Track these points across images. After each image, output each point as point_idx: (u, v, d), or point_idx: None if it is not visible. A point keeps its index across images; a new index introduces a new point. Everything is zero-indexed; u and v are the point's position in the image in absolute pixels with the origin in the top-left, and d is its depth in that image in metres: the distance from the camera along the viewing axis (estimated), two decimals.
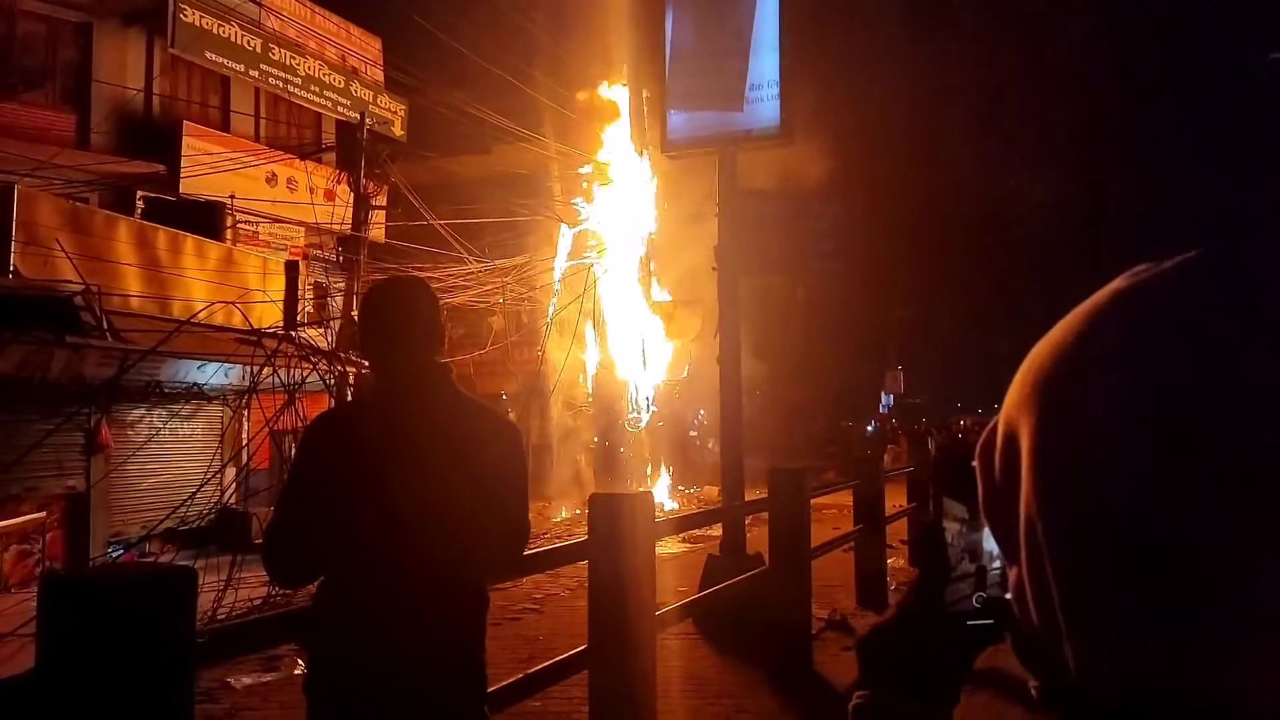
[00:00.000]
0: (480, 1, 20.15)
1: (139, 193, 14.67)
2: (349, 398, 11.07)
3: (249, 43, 16.41)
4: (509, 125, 16.59)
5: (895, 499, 9.29)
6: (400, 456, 2.05)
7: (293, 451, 9.12)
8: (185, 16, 15.18)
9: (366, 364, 2.33)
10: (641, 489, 14.43)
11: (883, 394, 41.21)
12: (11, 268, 10.31)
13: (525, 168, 18.88)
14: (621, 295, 16.30)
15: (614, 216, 16.39)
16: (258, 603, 7.03)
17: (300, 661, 5.37)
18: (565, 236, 16.74)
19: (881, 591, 7.18)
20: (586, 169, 17.01)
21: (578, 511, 13.89)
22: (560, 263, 16.60)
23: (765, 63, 6.29)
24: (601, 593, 3.45)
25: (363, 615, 2.01)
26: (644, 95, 14.43)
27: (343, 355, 10.48)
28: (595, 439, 16.64)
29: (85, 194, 13.29)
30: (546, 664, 3.29)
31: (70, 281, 10.35)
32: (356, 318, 2.33)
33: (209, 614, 6.49)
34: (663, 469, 16.74)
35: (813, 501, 6.14)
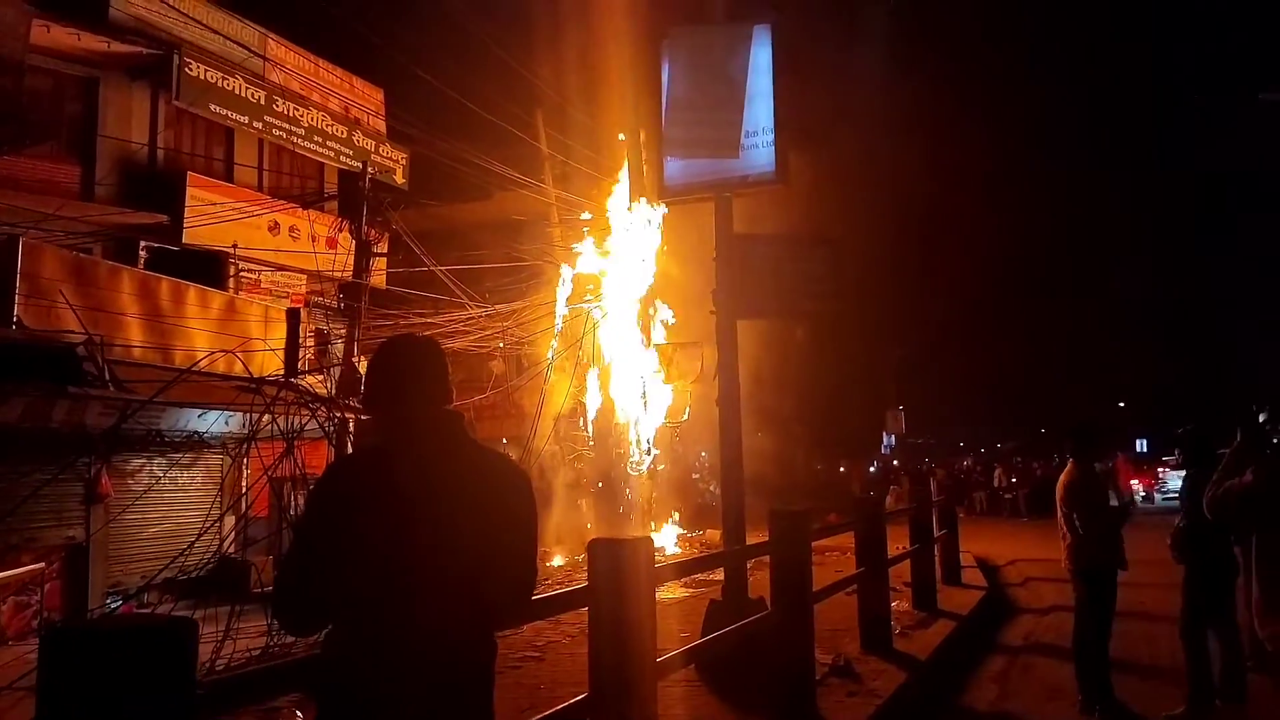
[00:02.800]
0: (481, 51, 20.50)
1: (142, 243, 14.82)
2: (349, 445, 11.07)
3: (253, 95, 16.67)
4: (509, 173, 16.80)
5: (898, 540, 9.25)
6: (413, 504, 2.08)
7: (292, 499, 9.12)
8: (190, 70, 15.45)
9: (370, 416, 2.35)
10: (642, 533, 14.36)
11: (884, 434, 41.10)
12: (15, 318, 10.38)
13: (525, 214, 19.08)
14: (621, 338, 16.35)
15: (613, 261, 16.51)
16: (256, 653, 6.97)
17: (299, 714, 5.31)
18: (565, 281, 16.85)
19: (886, 635, 7.12)
20: (587, 215, 17.17)
21: (578, 558, 13.81)
22: (560, 307, 16.69)
23: (759, 110, 6.41)
24: (602, 639, 3.44)
25: (375, 663, 2.02)
26: (641, 141, 14.61)
27: (342, 402, 10.50)
28: (596, 483, 16.59)
29: (89, 245, 13.42)
30: (548, 713, 3.27)
31: (73, 331, 10.41)
32: (365, 372, 2.36)
33: (208, 664, 6.43)
34: (665, 512, 16.65)
35: (815, 544, 6.12)
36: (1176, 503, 6.04)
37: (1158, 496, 27.89)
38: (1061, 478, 6.06)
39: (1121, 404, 59.45)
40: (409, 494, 2.08)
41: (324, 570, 2.05)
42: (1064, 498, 5.91)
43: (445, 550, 2.05)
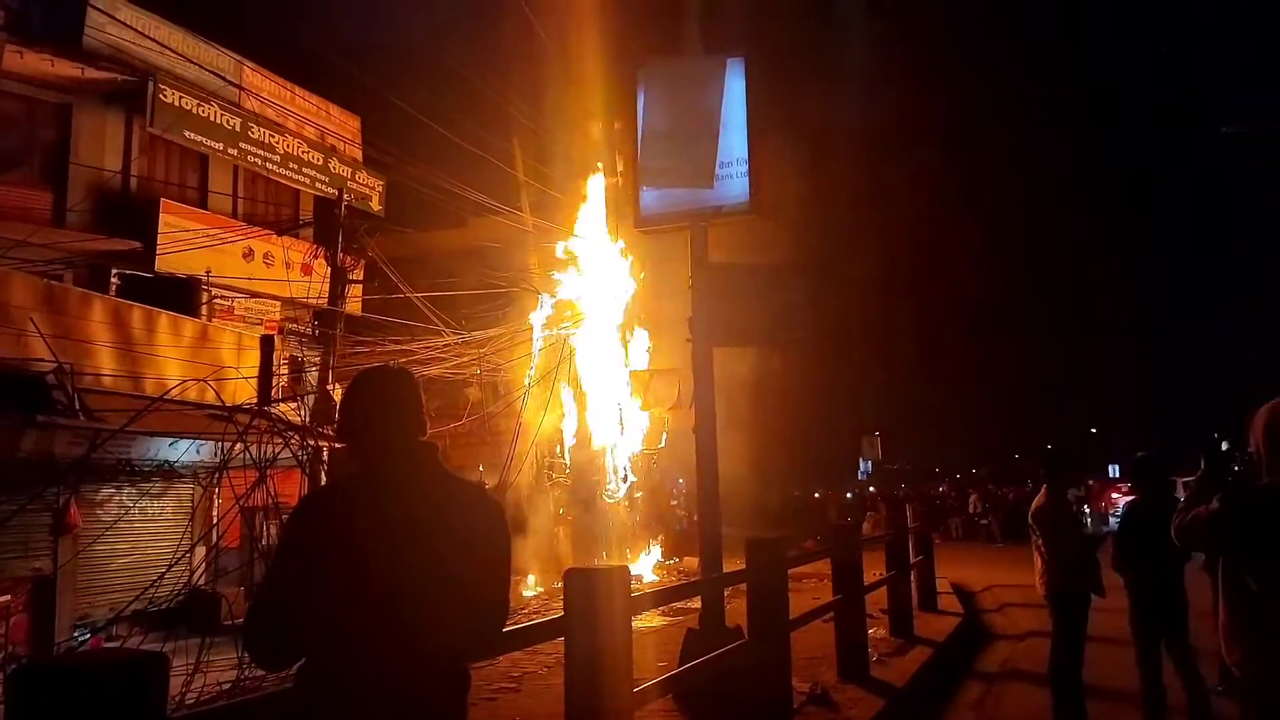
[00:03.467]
0: (457, 80, 20.60)
1: (114, 270, 14.69)
2: (322, 474, 10.97)
3: (228, 122, 16.64)
4: (485, 200, 16.84)
5: (875, 567, 9.26)
6: (387, 537, 2.08)
7: (264, 529, 9.01)
8: (165, 97, 15.41)
9: (343, 445, 2.35)
10: (619, 562, 14.29)
11: (861, 460, 41.28)
12: None
13: (501, 241, 19.11)
14: (597, 365, 16.36)
15: (589, 288, 16.56)
16: (227, 686, 6.86)
17: None
18: (542, 308, 16.86)
19: (863, 662, 7.12)
20: (563, 242, 17.22)
21: (555, 585, 13.71)
22: (537, 334, 16.68)
23: (734, 141, 6.49)
24: (578, 670, 3.42)
25: (349, 696, 2.00)
26: (618, 170, 14.74)
27: (316, 430, 10.41)
28: (573, 510, 16.50)
29: (60, 271, 13.29)
30: None
31: (43, 360, 10.28)
32: (340, 403, 2.36)
33: (178, 698, 6.32)
34: (643, 541, 16.59)
35: (793, 571, 6.12)
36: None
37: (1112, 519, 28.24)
38: (1034, 503, 6.11)
39: (1094, 430, 60.14)
40: (382, 526, 2.08)
41: (296, 604, 2.04)
42: (1036, 524, 5.96)
43: (418, 582, 2.05)
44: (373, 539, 2.06)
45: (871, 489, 37.68)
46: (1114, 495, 23.78)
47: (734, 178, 6.48)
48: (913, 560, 10.11)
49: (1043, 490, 6.09)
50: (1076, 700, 5.73)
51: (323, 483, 10.65)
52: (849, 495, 37.65)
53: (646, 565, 15.88)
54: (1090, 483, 24.95)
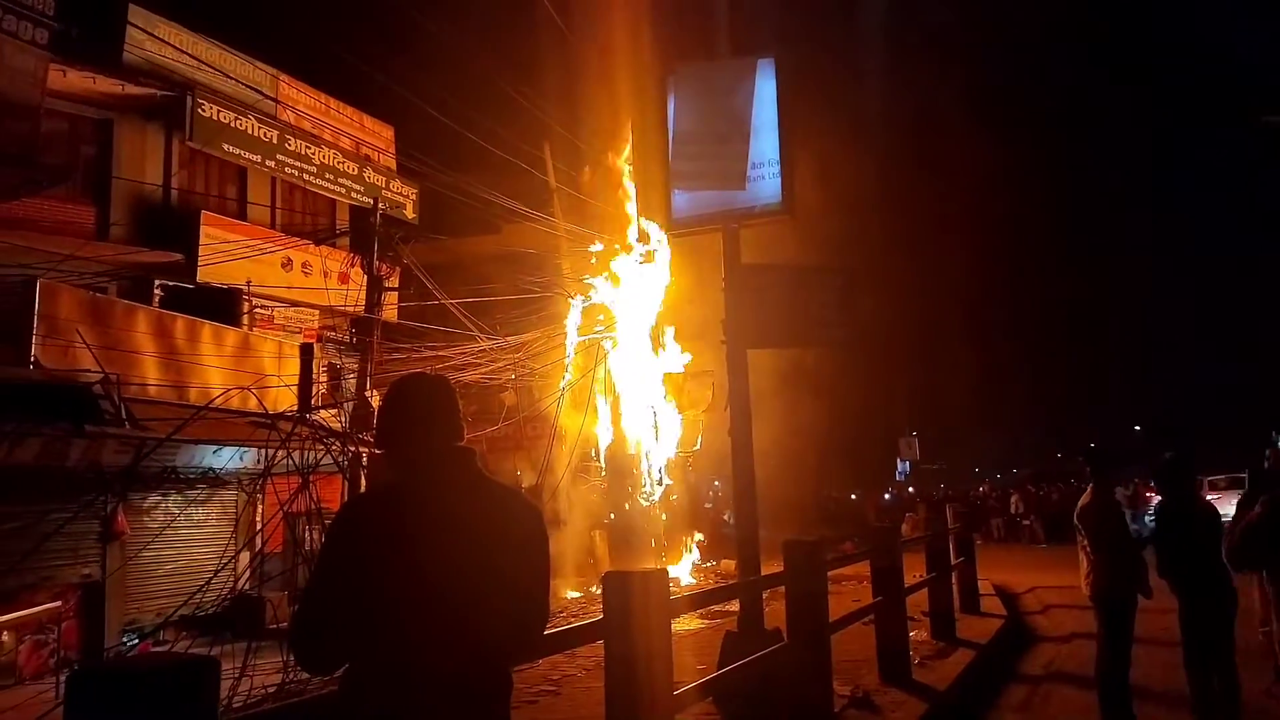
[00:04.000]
0: (489, 86, 20.76)
1: (157, 281, 14.99)
2: (362, 479, 11.10)
3: (265, 135, 16.91)
4: (518, 206, 16.94)
5: (916, 569, 9.18)
6: (426, 541, 2.10)
7: (307, 535, 9.13)
8: (203, 111, 15.70)
9: (381, 451, 2.38)
10: (656, 565, 14.29)
11: (898, 461, 40.90)
12: (33, 358, 10.49)
13: (535, 246, 19.21)
14: (632, 368, 16.38)
15: (623, 292, 16.59)
16: (273, 690, 6.97)
17: None
18: (575, 311, 16.93)
19: (904, 666, 7.05)
20: (596, 246, 17.29)
21: (593, 589, 13.75)
22: (571, 338, 16.75)
23: (765, 142, 6.48)
24: (618, 673, 3.43)
25: (394, 700, 2.03)
26: (648, 174, 14.77)
27: (356, 436, 10.54)
28: (609, 514, 16.54)
29: (105, 284, 13.58)
30: None
31: (89, 371, 10.51)
32: (378, 411, 2.39)
33: (225, 702, 6.43)
34: (683, 544, 16.58)
35: (832, 573, 6.09)
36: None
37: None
38: (1080, 503, 6.02)
39: (1137, 427, 59.04)
40: (421, 531, 2.10)
41: (339, 608, 2.07)
42: (1082, 524, 5.87)
43: (456, 586, 2.07)
44: (414, 543, 2.09)
45: (910, 490, 37.29)
46: (1148, 495, 23.30)
47: (765, 179, 6.47)
48: (954, 562, 10.00)
49: (1089, 489, 5.99)
50: (1124, 703, 5.63)
51: (363, 488, 10.77)
52: (886, 496, 37.32)
53: (683, 568, 15.86)
54: (1136, 481, 24.47)
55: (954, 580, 9.79)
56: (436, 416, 2.28)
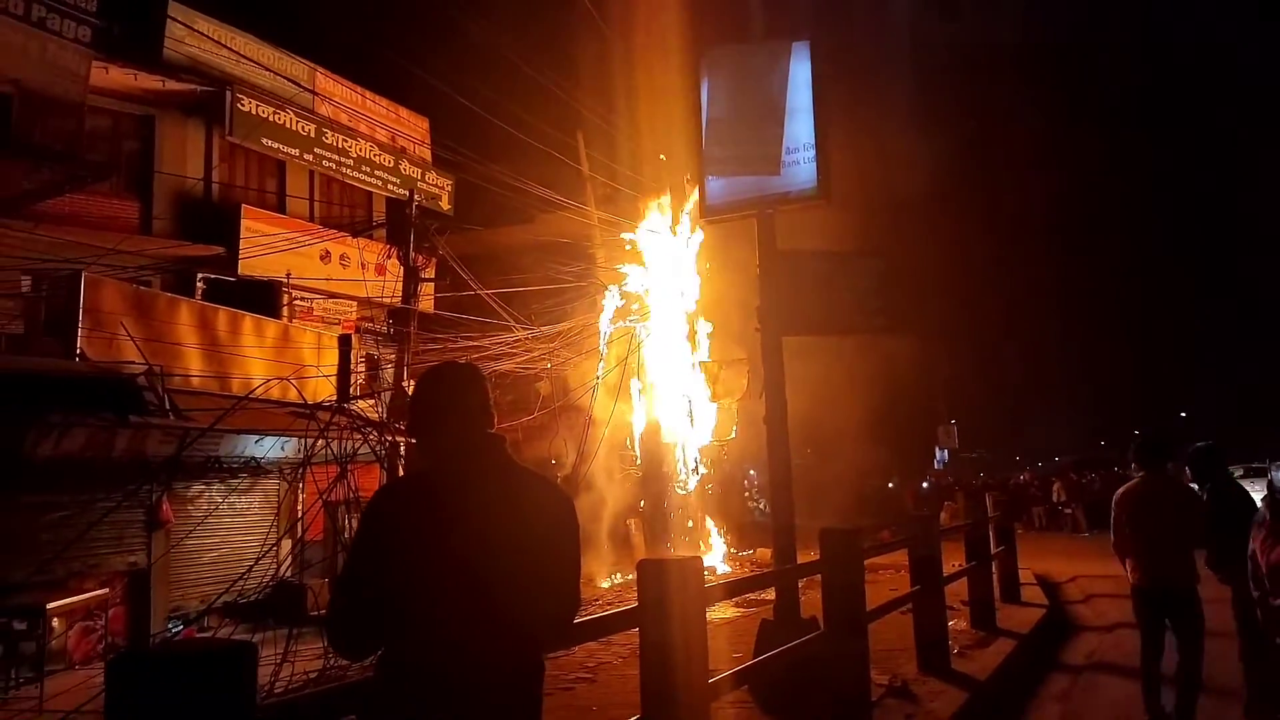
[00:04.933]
0: (522, 76, 20.78)
1: (199, 274, 15.24)
2: (399, 468, 11.20)
3: (303, 128, 17.09)
4: (552, 195, 16.96)
5: (955, 558, 9.07)
6: (457, 528, 2.10)
7: (347, 522, 9.25)
8: (243, 106, 15.90)
9: (415, 441, 2.39)
10: (692, 553, 14.27)
11: (937, 449, 40.47)
12: (79, 351, 10.71)
13: (569, 235, 19.24)
14: (666, 356, 16.35)
15: (657, 280, 16.55)
16: (314, 675, 7.07)
17: None
18: (610, 300, 16.92)
19: (943, 655, 6.98)
20: (629, 234, 17.26)
21: (630, 576, 13.77)
22: (605, 326, 16.75)
23: (800, 126, 6.40)
24: (653, 660, 3.43)
25: (427, 685, 2.04)
26: (682, 160, 14.70)
27: (393, 425, 10.64)
28: (643, 503, 16.56)
29: (148, 277, 13.83)
30: None
31: (134, 362, 10.71)
32: (410, 400, 2.41)
33: (267, 687, 6.53)
34: (715, 532, 16.56)
35: (869, 562, 6.03)
36: None
37: None
38: (1125, 489, 5.87)
39: (1184, 414, 57.90)
40: (452, 517, 2.11)
41: (373, 594, 2.08)
42: (1122, 511, 5.74)
43: (489, 572, 2.07)
44: (445, 529, 2.09)
45: (950, 478, 36.89)
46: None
47: (801, 164, 6.40)
48: (994, 551, 9.87)
49: (1139, 478, 5.79)
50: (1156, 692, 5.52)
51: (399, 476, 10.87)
52: (924, 484, 36.94)
53: (719, 556, 15.83)
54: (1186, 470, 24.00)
55: (994, 569, 9.66)
56: (467, 404, 2.29)
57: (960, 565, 8.97)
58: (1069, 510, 25.41)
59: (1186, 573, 5.41)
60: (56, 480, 9.46)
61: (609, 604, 11.41)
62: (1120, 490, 5.83)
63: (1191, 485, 5.86)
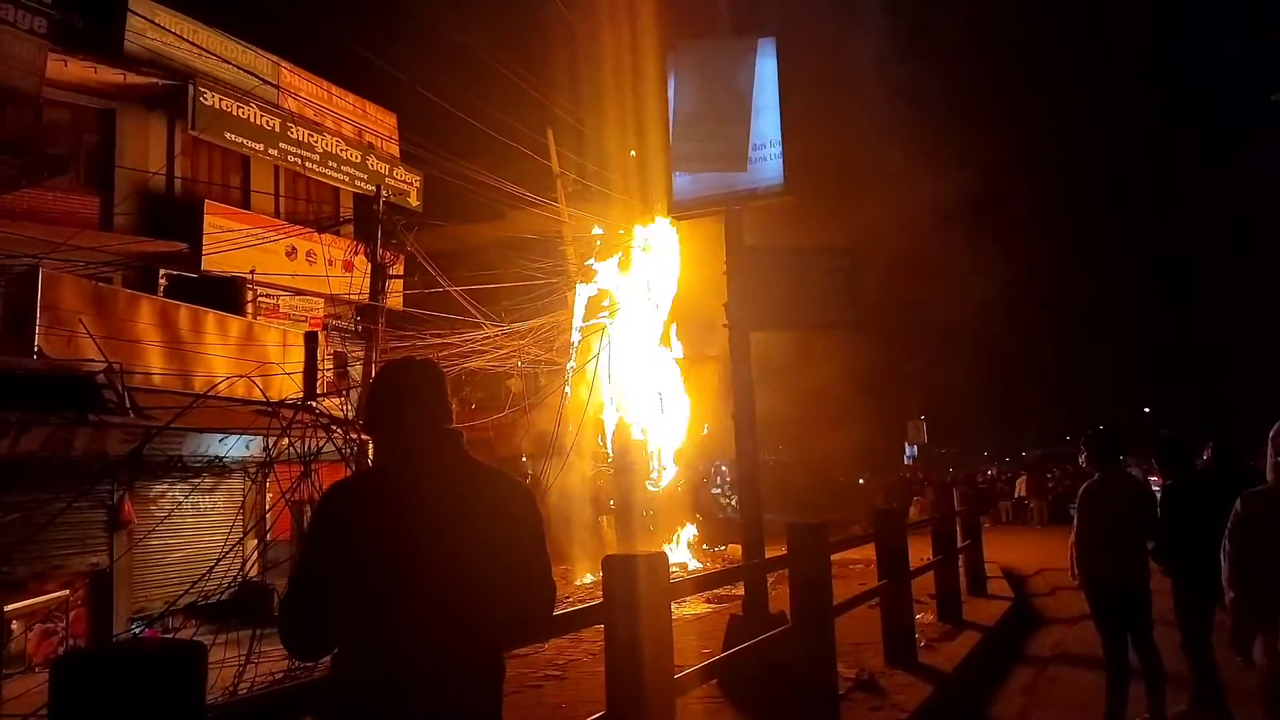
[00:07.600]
0: (490, 72, 20.64)
1: (161, 271, 14.98)
2: (367, 467, 11.09)
3: (268, 123, 16.86)
4: (521, 192, 16.88)
5: (922, 552, 9.14)
6: (412, 523, 2.07)
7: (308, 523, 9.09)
8: (205, 100, 15.66)
9: (371, 437, 2.36)
10: (661, 549, 14.28)
11: (906, 444, 40.85)
12: (36, 348, 10.50)
13: (538, 231, 19.16)
14: (637, 353, 16.35)
15: (627, 277, 16.54)
16: (279, 676, 6.97)
17: None
18: (580, 297, 16.88)
19: (910, 648, 7.03)
20: (599, 230, 17.23)
21: (599, 575, 13.74)
22: (576, 323, 16.71)
23: (766, 123, 6.39)
24: (619, 656, 3.41)
25: (384, 685, 2.00)
26: (650, 156, 14.68)
27: (359, 423, 10.53)
28: (615, 499, 16.55)
29: (109, 274, 13.58)
30: None
31: (93, 360, 10.51)
32: (366, 396, 2.39)
33: (231, 688, 6.44)
34: (687, 528, 16.58)
35: (839, 557, 6.05)
36: None
37: None
38: (1086, 486, 5.92)
39: (1146, 409, 58.85)
40: (408, 512, 2.08)
41: (325, 592, 2.04)
42: (1080, 507, 5.81)
43: (445, 569, 2.04)
44: (400, 524, 2.06)
45: (919, 473, 37.24)
46: (1152, 479, 23.13)
47: (768, 160, 6.40)
48: (960, 544, 9.96)
49: (1098, 476, 5.82)
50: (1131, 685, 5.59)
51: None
52: (893, 480, 37.24)
53: (689, 552, 15.86)
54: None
55: (961, 562, 9.76)
56: (423, 400, 2.26)
57: (928, 559, 9.04)
58: (1031, 505, 25.75)
59: (1143, 571, 5.48)
60: (14, 480, 9.27)
61: (581, 601, 11.38)
62: (1082, 488, 5.90)
63: (1153, 479, 5.94)
